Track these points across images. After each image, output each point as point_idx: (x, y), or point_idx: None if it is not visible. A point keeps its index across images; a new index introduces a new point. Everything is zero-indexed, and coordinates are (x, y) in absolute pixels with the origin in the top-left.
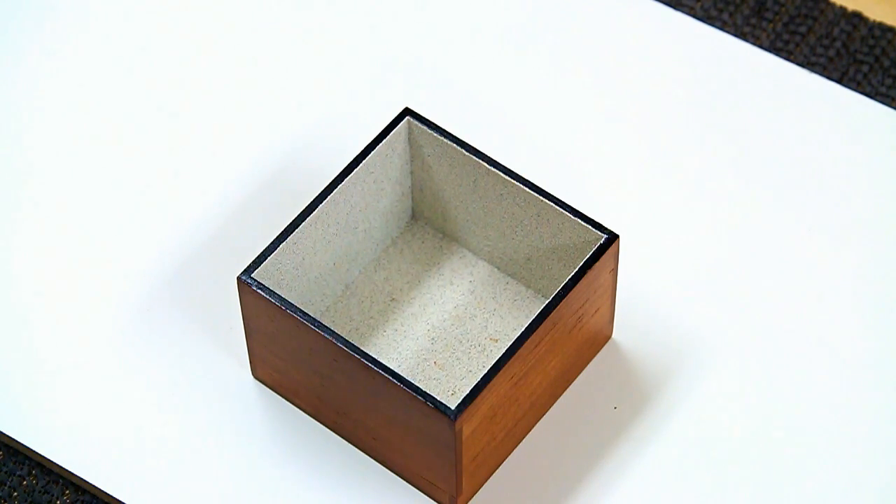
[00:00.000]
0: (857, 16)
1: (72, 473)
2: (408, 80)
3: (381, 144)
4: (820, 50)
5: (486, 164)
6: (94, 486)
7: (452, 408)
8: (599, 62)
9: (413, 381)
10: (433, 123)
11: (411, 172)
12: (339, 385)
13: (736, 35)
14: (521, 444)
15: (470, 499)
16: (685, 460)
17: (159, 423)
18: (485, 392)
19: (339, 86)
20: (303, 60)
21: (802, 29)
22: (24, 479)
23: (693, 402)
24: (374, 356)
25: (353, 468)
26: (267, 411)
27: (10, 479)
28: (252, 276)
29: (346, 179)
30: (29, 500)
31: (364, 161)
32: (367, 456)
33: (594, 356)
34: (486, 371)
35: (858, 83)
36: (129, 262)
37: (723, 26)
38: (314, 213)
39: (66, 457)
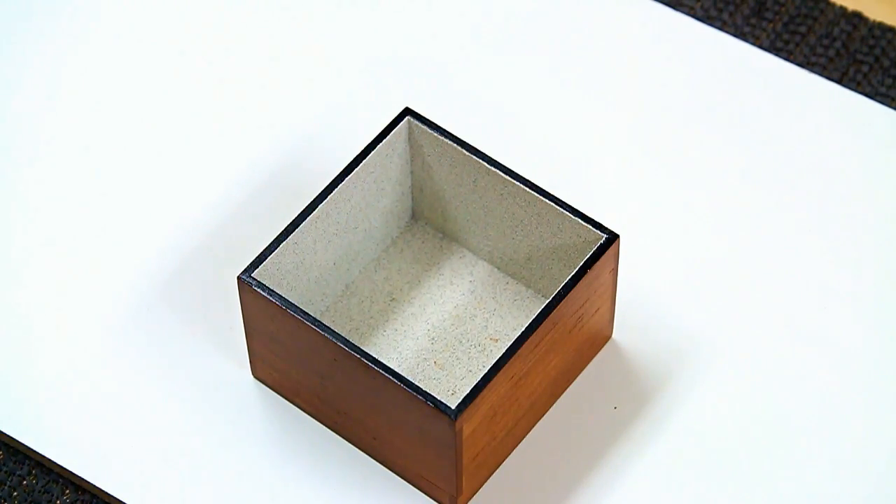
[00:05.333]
0: (857, 16)
1: (72, 473)
2: (408, 80)
3: (381, 144)
4: (820, 50)
5: (486, 164)
6: (94, 485)
7: (452, 407)
8: (599, 62)
9: (413, 381)
10: (433, 123)
11: (411, 172)
12: (339, 385)
13: (736, 35)
14: (521, 444)
15: (470, 499)
16: (685, 460)
17: (159, 422)
18: (485, 392)
19: (339, 86)
20: (303, 60)
21: (802, 29)
22: (24, 479)
23: (693, 402)
24: (374, 356)
25: (353, 468)
26: (267, 411)
27: (10, 479)
28: (252, 275)
29: (346, 179)
30: (29, 500)
31: (364, 161)
32: (367, 456)
33: (594, 356)
34: (486, 371)
35: (858, 83)
36: (129, 261)
37: (723, 26)
38: (314, 213)
39: (66, 457)
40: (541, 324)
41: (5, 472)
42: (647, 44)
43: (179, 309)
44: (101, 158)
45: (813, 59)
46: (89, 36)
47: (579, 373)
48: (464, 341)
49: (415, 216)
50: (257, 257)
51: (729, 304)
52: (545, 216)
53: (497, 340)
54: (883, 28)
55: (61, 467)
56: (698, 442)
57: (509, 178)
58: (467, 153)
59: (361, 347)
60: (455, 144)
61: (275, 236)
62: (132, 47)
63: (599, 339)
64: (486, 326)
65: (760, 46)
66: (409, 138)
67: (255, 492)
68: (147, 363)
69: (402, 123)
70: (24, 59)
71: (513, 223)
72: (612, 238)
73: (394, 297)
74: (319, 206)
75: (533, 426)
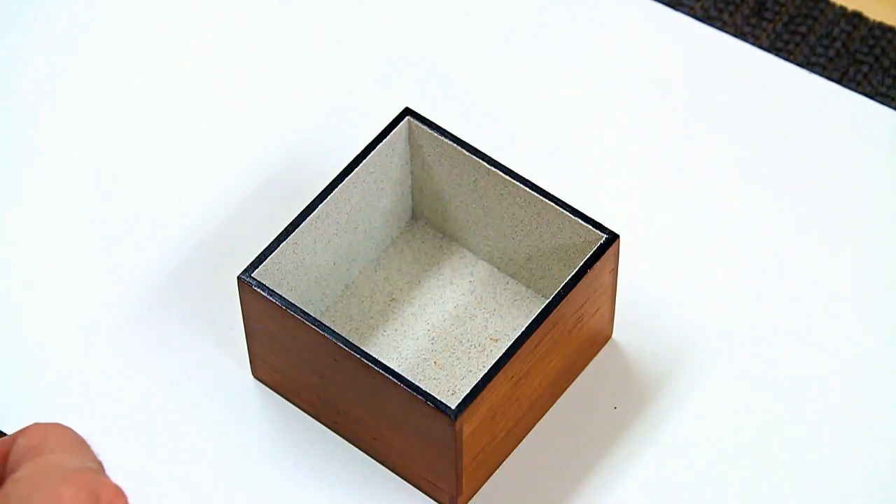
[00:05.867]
0: (857, 16)
1: None
2: (408, 80)
3: (381, 144)
4: (820, 50)
5: (486, 164)
6: None
7: (453, 407)
8: (599, 62)
9: (413, 381)
10: (433, 123)
11: (411, 172)
12: (339, 385)
13: (736, 35)
14: (521, 444)
15: (470, 499)
16: (685, 460)
17: (159, 422)
18: (485, 392)
19: (339, 86)
20: (303, 60)
21: (802, 29)
22: None
23: (693, 402)
24: (374, 356)
25: (353, 468)
26: (267, 411)
27: None
28: (252, 275)
29: (346, 179)
30: None
31: (364, 161)
32: (367, 456)
33: (594, 356)
34: (486, 371)
35: (858, 83)
36: (128, 261)
37: (723, 26)
38: (314, 212)
39: None
40: (541, 324)
41: None
42: (647, 44)
43: (179, 309)
44: (100, 158)
45: (813, 59)
46: (89, 36)
47: (579, 373)
48: (464, 341)
49: (415, 216)
50: (257, 257)
51: (729, 304)
52: (545, 216)
53: (497, 340)
54: (883, 28)
55: None
56: (698, 442)
57: (509, 178)
58: (467, 153)
59: (361, 347)
60: (455, 144)
61: (275, 236)
62: (132, 47)
63: (599, 339)
64: (486, 326)
65: (760, 46)
66: (409, 138)
67: (256, 492)
68: (147, 363)
69: (402, 123)
70: (24, 59)
71: (513, 223)
72: (612, 238)
73: (394, 297)
74: (319, 206)
75: (533, 426)
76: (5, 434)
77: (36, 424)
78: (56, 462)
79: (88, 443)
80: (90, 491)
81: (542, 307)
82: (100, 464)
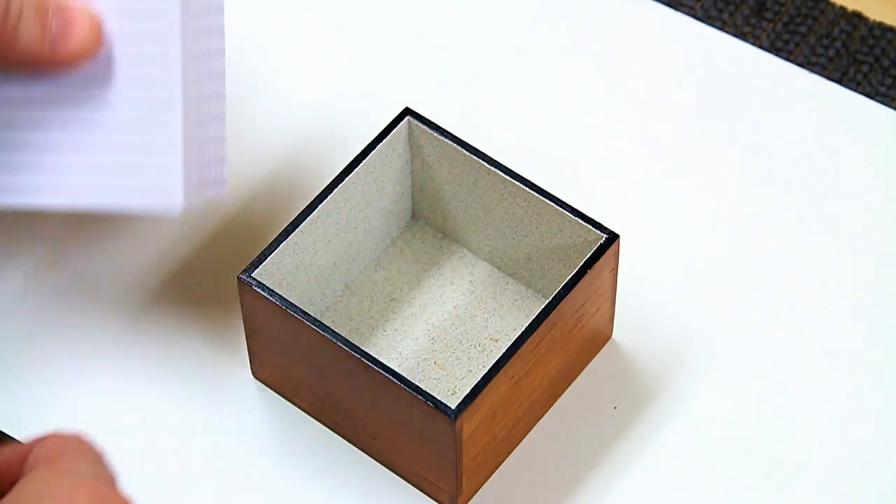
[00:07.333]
0: (857, 16)
1: None
2: (408, 80)
3: (381, 144)
4: (820, 50)
5: (486, 164)
6: None
7: (453, 407)
8: (599, 62)
9: (413, 381)
10: (433, 123)
11: (411, 172)
12: (339, 385)
13: (736, 35)
14: (521, 444)
15: (470, 499)
16: (685, 460)
17: (159, 422)
18: (485, 392)
19: (339, 86)
20: (302, 60)
21: (802, 29)
22: None
23: (693, 402)
24: (374, 356)
25: (353, 468)
26: (267, 411)
27: None
28: (252, 275)
29: (346, 179)
30: None
31: (364, 161)
32: (367, 456)
33: (594, 356)
34: (486, 371)
35: (858, 83)
36: (129, 261)
37: (723, 26)
38: (314, 212)
39: None
40: (541, 324)
41: None
42: (647, 44)
43: (179, 309)
44: None
45: (813, 59)
46: None
47: (579, 373)
48: (464, 341)
49: (415, 216)
50: (257, 257)
51: (729, 305)
52: (545, 216)
53: (497, 340)
54: (883, 28)
55: None
56: (698, 442)
57: (509, 178)
58: (467, 153)
59: (361, 347)
60: (455, 144)
61: (275, 236)
62: None
63: (599, 339)
64: (486, 326)
65: (760, 46)
66: (409, 138)
67: (256, 492)
68: (147, 363)
69: (402, 123)
70: None
71: (513, 223)
72: (612, 238)
73: (394, 297)
74: (319, 206)
75: (533, 426)
76: (13, 438)
77: (54, 433)
78: (71, 468)
79: (104, 455)
80: (101, 501)
81: (542, 307)
82: (113, 476)
